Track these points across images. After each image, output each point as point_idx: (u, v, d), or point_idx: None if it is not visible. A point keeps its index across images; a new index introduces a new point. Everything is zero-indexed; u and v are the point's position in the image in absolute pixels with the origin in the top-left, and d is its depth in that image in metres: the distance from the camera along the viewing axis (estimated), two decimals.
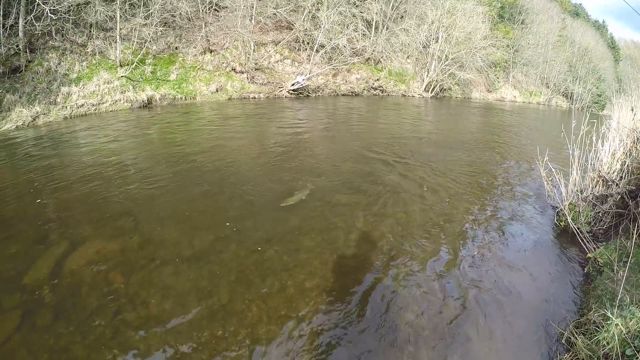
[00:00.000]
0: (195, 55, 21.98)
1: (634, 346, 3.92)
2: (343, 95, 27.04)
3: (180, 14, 21.42)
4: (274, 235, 6.66)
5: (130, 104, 17.65)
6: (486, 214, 8.43)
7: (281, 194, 8.36)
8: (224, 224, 6.94)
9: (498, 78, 44.34)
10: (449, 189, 9.69)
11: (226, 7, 23.77)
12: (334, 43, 25.73)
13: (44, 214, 7.35)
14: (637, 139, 7.54)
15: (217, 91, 21.29)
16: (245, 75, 22.79)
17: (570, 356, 4.41)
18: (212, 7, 23.56)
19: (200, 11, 22.26)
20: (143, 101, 18.10)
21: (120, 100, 17.46)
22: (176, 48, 21.67)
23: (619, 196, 7.44)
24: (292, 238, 6.61)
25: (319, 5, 26.06)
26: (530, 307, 5.43)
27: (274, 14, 24.60)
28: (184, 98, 19.90)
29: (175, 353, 4.27)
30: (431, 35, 33.24)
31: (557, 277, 6.28)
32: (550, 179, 8.67)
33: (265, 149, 12.00)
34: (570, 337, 4.64)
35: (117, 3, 18.55)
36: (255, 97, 22.46)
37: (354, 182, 9.44)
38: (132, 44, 19.62)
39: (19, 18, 15.89)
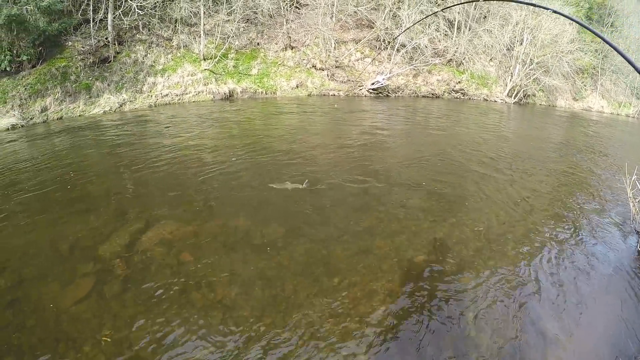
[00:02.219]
0: (277, 51, 21.78)
1: None
2: (423, 96, 25.74)
3: (262, 10, 21.32)
4: (345, 233, 6.52)
5: (212, 96, 17.77)
6: (564, 233, 7.56)
7: (355, 194, 8.18)
8: (295, 218, 6.92)
9: (585, 86, 41.49)
10: (528, 202, 8.88)
11: (307, 4, 23.38)
12: (415, 43, 24.53)
13: (124, 192, 7.85)
14: None
15: (297, 87, 20.98)
16: (325, 72, 22.28)
17: None
18: (293, 4, 23.31)
19: (282, 8, 22.03)
20: (225, 93, 18.16)
21: (202, 92, 17.63)
22: (258, 44, 21.57)
23: None
24: (363, 238, 6.41)
25: (400, 3, 25.15)
26: (600, 339, 4.88)
27: (355, 12, 23.84)
28: (264, 92, 19.80)
29: (234, 337, 4.24)
30: (515, 37, 31.41)
31: (633, 308, 5.52)
32: (637, 200, 7.79)
33: (342, 147, 11.81)
34: None
35: (200, 0, 18.74)
36: (334, 95, 21.91)
37: (429, 187, 9.03)
38: (215, 39, 19.67)
39: (107, 13, 16.30)
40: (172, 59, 17.90)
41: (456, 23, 28.40)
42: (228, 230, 6.36)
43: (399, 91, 24.56)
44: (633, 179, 7.46)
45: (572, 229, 7.76)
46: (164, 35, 18.48)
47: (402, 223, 7.05)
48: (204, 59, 18.67)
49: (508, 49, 31.56)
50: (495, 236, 6.99)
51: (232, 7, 20.17)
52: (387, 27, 24.63)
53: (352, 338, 4.35)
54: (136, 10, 16.78)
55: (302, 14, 23.36)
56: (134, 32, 17.53)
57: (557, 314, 5.14)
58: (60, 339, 4.16)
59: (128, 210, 6.92)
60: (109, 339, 4.15)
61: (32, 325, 4.33)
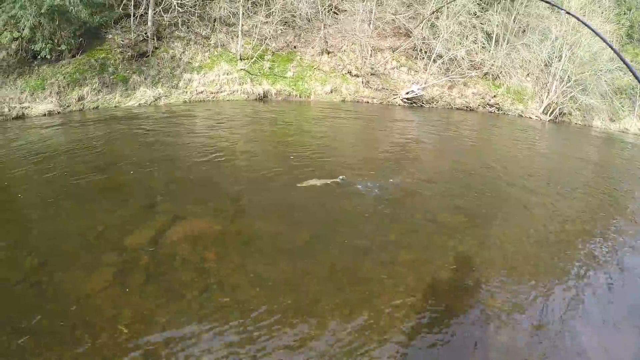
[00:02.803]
0: (313, 55, 21.63)
1: None
2: (457, 109, 25.23)
3: (300, 14, 21.24)
4: (372, 243, 6.45)
5: (246, 96, 17.70)
6: (598, 256, 7.23)
7: (385, 204, 8.06)
8: (324, 224, 6.90)
9: (623, 106, 40.38)
10: (560, 223, 8.54)
11: (345, 10, 23.21)
12: (452, 54, 24.18)
13: (155, 185, 7.97)
14: None
15: (331, 92, 20.75)
16: (360, 79, 21.98)
17: None
18: (331, 9, 23.15)
19: (320, 13, 21.88)
20: (259, 94, 18.07)
21: (237, 91, 17.60)
22: (294, 47, 21.46)
23: None
24: (390, 250, 6.36)
25: (439, 13, 24.85)
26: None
27: (393, 20, 23.65)
28: (298, 95, 19.66)
29: (251, 340, 4.17)
30: (554, 52, 30.77)
31: None
32: None
33: (373, 156, 11.75)
34: None
35: (240, 1, 18.78)
36: (368, 102, 21.62)
37: (460, 203, 8.76)
38: (253, 40, 19.64)
39: (148, 9, 16.39)
40: (209, 57, 17.95)
41: (494, 36, 27.91)
42: (255, 232, 6.37)
43: (433, 102, 24.07)
44: None
45: (606, 253, 7.46)
46: (202, 34, 18.57)
47: (431, 237, 6.96)
48: (241, 59, 18.67)
49: (546, 65, 30.89)
50: (525, 257, 6.80)
51: (270, 9, 20.16)
52: (424, 37, 24.29)
53: (372, 351, 4.24)
54: (176, 7, 16.95)
55: (339, 19, 23.20)
56: (173, 28, 17.65)
57: (588, 349, 4.87)
58: (78, 325, 4.17)
59: (157, 203, 7.04)
60: (126, 330, 4.15)
61: (52, 309, 4.35)
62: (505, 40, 28.74)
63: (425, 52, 24.65)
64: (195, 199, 7.21)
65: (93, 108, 13.15)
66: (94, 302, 4.47)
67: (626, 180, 14.52)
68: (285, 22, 21.40)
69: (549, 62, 30.80)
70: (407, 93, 22.57)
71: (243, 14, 19.02)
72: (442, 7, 24.23)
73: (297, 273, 5.37)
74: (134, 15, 15.99)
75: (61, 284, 4.72)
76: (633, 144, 31.48)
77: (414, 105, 23.04)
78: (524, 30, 30.51)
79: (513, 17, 28.75)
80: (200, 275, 5.06)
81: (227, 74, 17.66)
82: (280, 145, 11.14)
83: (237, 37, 18.83)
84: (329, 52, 22.05)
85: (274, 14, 19.96)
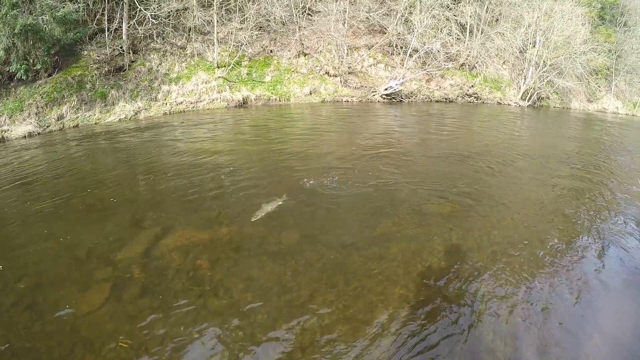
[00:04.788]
0: (290, 58, 21.76)
1: None
2: (437, 101, 25.58)
3: (275, 18, 21.36)
4: (360, 239, 6.49)
5: (226, 103, 17.76)
6: (581, 240, 7.38)
7: (370, 199, 8.10)
8: (310, 223, 6.94)
9: (599, 87, 40.87)
10: (545, 206, 8.79)
11: (319, 11, 23.37)
12: (428, 47, 24.38)
13: (141, 199, 7.92)
14: None
15: (310, 94, 20.91)
16: (338, 78, 22.22)
17: None
18: (305, 11, 23.29)
19: (294, 15, 22.01)
20: (239, 101, 18.15)
21: (217, 99, 17.63)
22: (271, 51, 21.57)
23: None
24: (378, 244, 6.39)
25: (412, 9, 25.01)
26: (617, 348, 4.78)
27: (367, 17, 23.87)
28: (278, 99, 19.77)
29: (251, 342, 4.25)
30: (528, 39, 31.10)
31: None
32: None
33: (356, 153, 11.68)
34: None
35: (214, 8, 18.78)
36: (348, 101, 21.84)
37: (443, 192, 8.87)
38: (229, 47, 19.71)
39: (122, 22, 16.38)
40: (186, 67, 17.94)
41: (468, 27, 28.17)
42: (243, 236, 6.38)
43: (412, 96, 24.40)
44: None
45: (590, 232, 7.68)
46: (178, 44, 18.56)
47: (417, 228, 7.01)
48: (218, 67, 18.69)
49: (521, 52, 31.23)
50: (511, 240, 6.91)
51: (245, 15, 20.24)
52: (399, 33, 24.51)
53: (367, 343, 4.33)
54: (150, 19, 16.88)
55: (314, 20, 23.34)
56: (148, 41, 17.59)
57: (576, 321, 5.09)
58: (78, 343, 4.17)
59: (144, 216, 6.99)
60: (126, 344, 4.14)
61: (49, 329, 4.34)
62: (480, 31, 29.02)
63: (401, 48, 24.95)
64: (183, 209, 7.26)
65: (73, 126, 13.06)
66: (91, 319, 4.49)
67: (605, 159, 14.82)
68: (260, 27, 21.51)
69: (523, 48, 31.14)
70: (386, 89, 22.84)
71: (217, 21, 18.99)
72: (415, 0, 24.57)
73: (288, 273, 5.44)
74: (108, 30, 15.93)
75: (57, 303, 4.73)
76: (611, 123, 32.04)
77: (394, 100, 23.34)
78: (497, 19, 30.83)
79: (485, 7, 29.03)
80: (194, 283, 5.12)
81: (206, 83, 17.67)
82: (264, 151, 11.14)
83: (213, 45, 18.83)
84: (305, 54, 22.16)
85: (248, 19, 20.03)
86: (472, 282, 5.55)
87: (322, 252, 5.99)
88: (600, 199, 9.81)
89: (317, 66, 22.02)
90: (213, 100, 17.42)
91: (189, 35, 18.97)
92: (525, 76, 31.05)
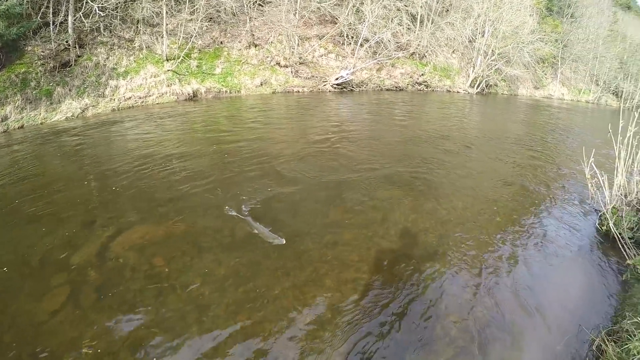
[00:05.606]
0: (240, 49, 21.90)
1: None
2: (387, 90, 26.38)
3: (225, 9, 21.48)
4: (314, 227, 6.69)
5: (176, 97, 17.79)
6: (528, 215, 8.14)
7: (323, 188, 8.34)
8: (265, 215, 6.96)
9: (546, 74, 42.52)
10: (493, 187, 9.49)
11: (270, 1, 23.65)
12: (378, 37, 25.15)
13: (91, 199, 7.67)
14: None
15: (261, 85, 21.16)
16: (289, 69, 22.58)
17: None
18: (256, 1, 23.45)
19: (245, 6, 22.11)
20: (189, 94, 18.22)
21: (166, 93, 17.62)
22: (221, 42, 21.64)
23: None
24: (332, 231, 6.60)
25: None
26: (563, 312, 5.30)
27: (318, 8, 24.29)
28: (228, 91, 19.89)
29: (212, 336, 4.34)
30: (477, 29, 32.11)
31: (594, 283, 6.13)
32: (594, 181, 8.23)
33: (308, 142, 11.97)
34: (601, 345, 4.55)
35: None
36: (299, 91, 22.26)
37: (394, 178, 9.29)
38: (178, 39, 19.64)
39: (68, 15, 16.08)
40: (135, 61, 17.80)
41: (419, 17, 28.96)
42: (198, 230, 6.43)
43: (363, 85, 25.13)
44: (590, 161, 7.87)
45: (537, 211, 8.40)
46: (126, 37, 18.34)
47: (370, 214, 7.33)
48: (167, 60, 18.67)
49: (470, 41, 32.28)
50: (461, 221, 7.41)
51: (194, 5, 20.23)
52: (350, 23, 25.04)
53: (326, 328, 4.52)
54: (97, 11, 16.45)
55: (265, 11, 23.56)
56: (95, 34, 17.34)
57: (525, 290, 5.61)
58: (40, 352, 4.15)
59: (97, 217, 6.88)
60: (89, 350, 4.15)
61: (9, 341, 4.28)
62: (430, 21, 29.84)
63: (352, 38, 25.57)
64: (135, 207, 7.22)
65: (18, 127, 12.67)
66: (51, 327, 4.42)
67: (550, 142, 16.01)
68: (211, 18, 21.54)
69: (472, 38, 32.22)
70: (337, 79, 23.46)
71: (167, 12, 18.94)
72: None
73: (245, 264, 5.50)
74: (53, 24, 15.63)
75: (14, 314, 4.63)
76: (557, 108, 33.59)
77: (345, 90, 24.02)
78: (448, 10, 31.73)
79: None
80: (152, 282, 5.11)
81: (155, 77, 17.63)
82: (213, 142, 11.30)
83: (162, 37, 18.73)
84: (256, 45, 22.40)
85: (198, 10, 20.02)
86: (424, 264, 5.89)
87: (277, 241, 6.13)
88: (549, 175, 10.77)
89: (268, 57, 22.28)
90: (162, 94, 17.39)
91: (137, 27, 18.80)
92: (474, 64, 32.16)
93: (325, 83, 23.20)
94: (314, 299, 4.94)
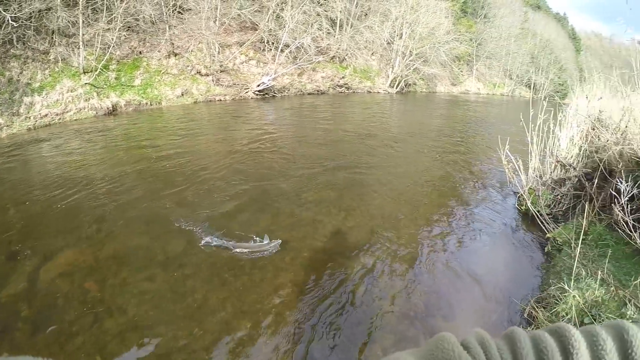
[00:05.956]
0: (160, 59, 21.87)
1: (591, 315, 4.22)
2: (309, 94, 27.50)
3: (144, 17, 21.24)
4: (245, 234, 6.69)
5: (95, 112, 17.43)
6: (452, 203, 8.89)
7: (250, 196, 8.43)
8: (194, 228, 6.92)
9: (462, 71, 45.44)
10: (418, 180, 10.21)
11: (190, 9, 23.72)
12: (299, 42, 26.15)
13: (12, 228, 7.21)
14: (593, 124, 7.95)
15: (182, 95, 21.18)
16: (210, 77, 22.82)
17: (532, 329, 4.44)
18: (175, 9, 23.46)
19: (164, 14, 22.09)
20: (108, 108, 17.87)
21: (84, 109, 17.25)
22: (140, 52, 21.47)
23: (576, 179, 7.89)
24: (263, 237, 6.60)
25: (283, 5, 26.40)
26: (495, 286, 5.76)
27: (239, 14, 24.82)
28: (149, 103, 19.69)
29: (156, 355, 4.31)
30: (395, 31, 33.93)
31: (520, 257, 6.73)
32: (510, 165, 9.03)
33: (232, 151, 11.97)
34: (531, 312, 4.93)
35: (79, 8, 18.31)
36: (221, 100, 22.52)
37: (322, 179, 9.69)
38: (95, 50, 19.35)
39: None
40: (50, 75, 17.45)
41: (338, 21, 30.15)
42: (128, 250, 6.28)
43: (284, 91, 26.02)
44: (506, 149, 8.66)
45: (462, 197, 9.25)
46: (40, 49, 17.87)
47: (299, 216, 7.54)
48: (84, 72, 18.38)
49: (388, 43, 33.97)
50: (391, 213, 7.93)
51: (112, 14, 19.87)
52: (270, 29, 25.92)
53: (267, 331, 4.62)
54: (10, 22, 15.99)
55: (185, 19, 23.70)
56: (8, 47, 16.89)
57: (457, 269, 6.10)
58: None
59: (20, 248, 6.43)
60: None
61: None
62: (349, 25, 31.16)
63: (273, 44, 26.41)
64: (59, 231, 6.90)
65: None
66: None
67: (470, 133, 17.88)
68: (129, 27, 21.34)
69: (391, 40, 33.97)
70: (259, 85, 24.17)
71: (83, 22, 18.65)
72: None
73: (179, 279, 5.48)
74: None
75: None
76: (474, 102, 36.05)
77: (267, 96, 24.77)
78: (366, 14, 33.18)
79: (355, 3, 31.19)
80: (86, 308, 4.94)
81: (72, 91, 17.31)
82: (135, 159, 11.05)
83: (79, 48, 18.43)
84: (176, 54, 22.53)
85: (116, 19, 19.73)
86: (356, 258, 6.19)
87: (209, 253, 6.16)
88: (470, 164, 11.88)
89: (188, 66, 22.41)
90: (80, 109, 17.03)
91: (52, 38, 18.36)
92: (393, 65, 33.92)
93: (247, 90, 23.70)
94: (252, 305, 5.02)
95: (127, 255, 6.13)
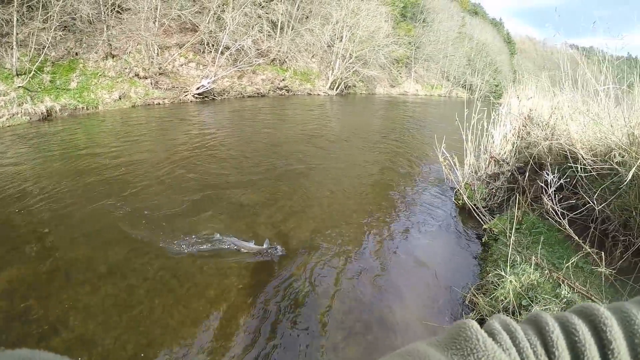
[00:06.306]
0: (97, 61, 21.42)
1: (528, 297, 4.48)
2: (249, 97, 27.93)
3: (81, 16, 20.69)
4: (186, 242, 6.66)
5: (29, 117, 16.82)
6: (393, 200, 9.33)
7: (189, 203, 8.31)
8: (135, 237, 6.83)
9: (400, 73, 47.41)
10: (360, 178, 10.76)
11: (129, 9, 23.48)
12: (239, 44, 26.59)
13: None
14: (525, 122, 8.51)
15: (120, 99, 20.79)
16: (149, 80, 22.56)
17: (474, 315, 4.90)
18: (114, 8, 23.04)
19: (102, 13, 21.74)
20: (42, 113, 17.33)
21: (18, 114, 16.66)
22: (76, 54, 20.93)
23: (510, 173, 8.40)
24: (205, 242, 6.66)
25: (225, 6, 26.80)
26: (437, 278, 6.03)
27: (179, 15, 24.92)
28: (85, 108, 19.09)
29: None
30: (335, 34, 35.06)
31: (459, 249, 7.13)
32: (446, 163, 9.32)
33: (173, 157, 11.80)
34: (472, 298, 5.20)
35: (14, 5, 17.68)
36: (160, 103, 22.22)
37: (264, 182, 9.83)
38: (30, 51, 18.68)
39: None
40: None
41: (279, 24, 30.85)
42: (69, 263, 6.05)
43: (224, 93, 26.34)
44: (442, 147, 8.92)
45: (402, 194, 9.70)
46: None
47: (242, 220, 7.62)
48: (17, 75, 17.84)
49: (329, 46, 35.08)
50: (334, 212, 8.21)
51: (48, 12, 19.18)
52: (211, 31, 26.22)
53: (215, 337, 4.63)
54: None
55: (123, 19, 23.51)
56: None
57: (401, 263, 6.40)
58: None
59: None
60: None
61: None
62: (290, 27, 31.97)
63: (213, 46, 26.74)
64: None
65: None
66: None
67: (408, 133, 18.87)
68: (65, 27, 20.88)
69: (331, 43, 35.11)
70: (198, 88, 24.30)
71: (17, 20, 18.06)
72: None
73: (124, 290, 5.38)
74: None
75: None
76: (412, 102, 37.71)
77: (207, 99, 24.99)
78: (307, 17, 34.04)
79: (297, 5, 31.88)
80: (30, 327, 4.76)
81: (4, 95, 16.76)
82: (71, 167, 10.73)
83: (12, 48, 17.85)
84: (113, 56, 22.21)
85: (52, 17, 19.12)
86: (299, 259, 6.33)
87: (152, 262, 6.06)
88: (410, 162, 12.51)
89: (126, 68, 22.09)
90: (13, 115, 16.44)
91: None
92: (333, 68, 35.07)
93: (187, 93, 23.73)
94: (199, 312, 5.02)
95: (69, 269, 5.94)
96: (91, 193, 8.78)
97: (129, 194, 8.73)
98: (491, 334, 0.64)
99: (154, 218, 7.54)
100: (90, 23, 21.79)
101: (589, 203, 5.21)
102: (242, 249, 6.41)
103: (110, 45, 22.29)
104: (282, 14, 30.46)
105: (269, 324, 4.84)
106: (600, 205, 5.16)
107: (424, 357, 0.60)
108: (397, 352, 0.64)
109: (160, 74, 23.47)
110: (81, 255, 6.24)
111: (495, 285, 5.00)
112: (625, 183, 4.67)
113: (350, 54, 34.91)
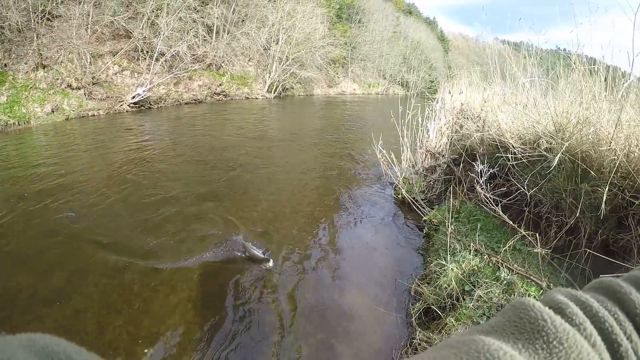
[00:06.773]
0: (27, 72, 20.74)
1: (470, 282, 4.63)
2: (186, 103, 27.98)
3: (10, 24, 20.17)
4: (133, 257, 6.53)
5: None
6: (336, 199, 9.49)
7: (131, 217, 8.13)
8: (76, 258, 6.60)
9: (337, 74, 48.89)
10: (301, 177, 11.05)
11: (60, 15, 23.05)
12: (175, 50, 26.64)
13: None
14: (457, 116, 8.84)
15: (53, 112, 20.06)
16: (82, 91, 22.07)
17: (421, 304, 5.03)
18: (45, 16, 22.36)
19: (32, 21, 21.14)
20: None
21: None
22: (5, 65, 20.29)
23: (446, 165, 8.72)
24: (153, 257, 6.54)
25: (159, 11, 26.84)
26: (382, 271, 6.23)
27: (112, 22, 24.69)
28: (17, 123, 18.24)
29: None
30: (272, 37, 35.86)
31: (401, 241, 7.30)
32: (384, 159, 9.63)
33: (111, 172, 11.38)
34: (417, 289, 5.36)
35: None
36: (94, 115, 21.64)
37: (201, 190, 9.72)
38: None
39: None
40: None
41: (215, 28, 31.31)
42: (10, 292, 5.76)
43: (161, 101, 26.21)
44: (379, 143, 9.24)
45: (343, 191, 9.94)
46: None
47: (186, 228, 7.53)
48: None
49: (265, 49, 35.90)
50: (278, 213, 8.37)
51: None
52: (145, 37, 26.21)
53: (169, 354, 4.53)
54: None
55: (54, 26, 22.98)
56: None
57: (344, 259, 6.59)
58: None
59: None
60: None
61: None
62: (226, 31, 32.57)
63: (147, 52, 26.59)
64: None
65: None
66: None
67: (347, 131, 19.71)
68: None
69: (268, 46, 35.96)
70: (133, 97, 24.07)
71: None
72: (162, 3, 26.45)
73: (69, 316, 5.19)
74: None
75: None
76: (351, 101, 39.13)
77: (143, 108, 24.79)
78: (243, 20, 34.72)
79: (232, 9, 32.48)
80: None
81: None
82: (6, 195, 9.73)
83: None
84: (44, 66, 21.64)
85: None
86: (252, 262, 6.35)
87: (96, 282, 5.89)
88: (350, 159, 13.10)
89: (58, 79, 21.48)
90: None
91: None
92: (270, 71, 35.92)
93: (122, 103, 23.43)
94: (150, 329, 4.92)
95: (10, 298, 5.63)
96: (25, 218, 8.19)
97: (68, 212, 8.35)
98: (558, 310, 0.55)
99: (93, 232, 7.41)
100: (20, 32, 21.12)
101: (521, 189, 5.58)
102: (249, 254, 6.44)
103: (41, 55, 21.67)
104: (217, 18, 30.78)
105: (223, 338, 4.78)
106: (532, 190, 5.50)
107: (481, 347, 0.50)
108: (447, 343, 0.55)
109: (93, 84, 22.99)
110: (22, 282, 5.96)
111: (437, 274, 5.17)
112: (553, 167, 4.92)
113: (287, 57, 35.77)
